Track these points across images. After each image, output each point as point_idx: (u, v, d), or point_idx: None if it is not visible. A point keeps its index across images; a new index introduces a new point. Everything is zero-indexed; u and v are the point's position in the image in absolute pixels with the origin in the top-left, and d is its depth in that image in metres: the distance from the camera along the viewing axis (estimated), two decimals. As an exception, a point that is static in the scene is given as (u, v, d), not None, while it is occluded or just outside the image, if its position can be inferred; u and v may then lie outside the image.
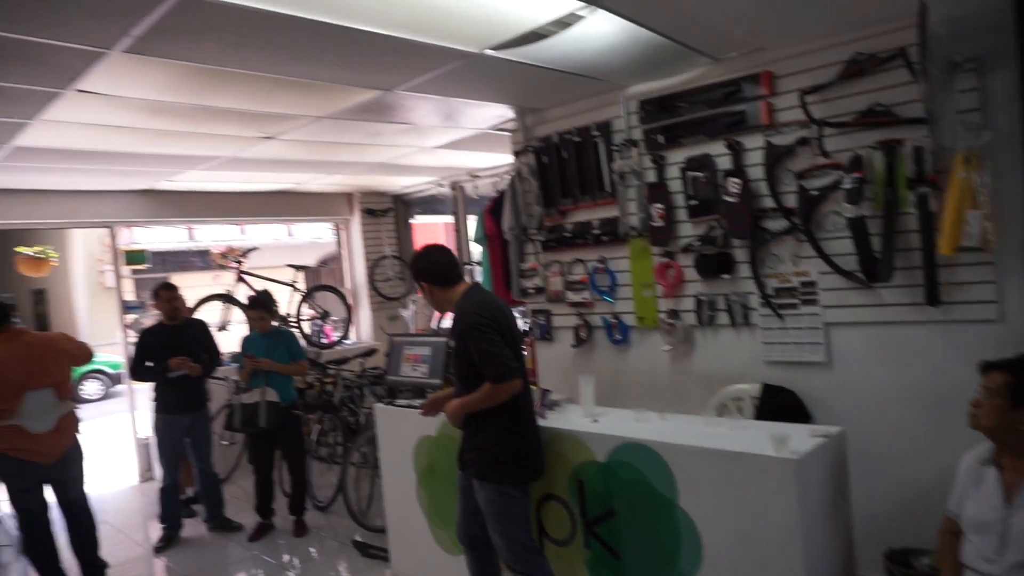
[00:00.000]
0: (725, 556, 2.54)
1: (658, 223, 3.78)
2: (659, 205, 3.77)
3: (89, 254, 15.11)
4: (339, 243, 7.72)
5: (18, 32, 2.46)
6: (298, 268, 6.93)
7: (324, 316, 7.01)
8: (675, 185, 3.75)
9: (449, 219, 7.45)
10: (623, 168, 3.90)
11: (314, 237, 14.78)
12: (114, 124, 3.86)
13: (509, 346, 2.76)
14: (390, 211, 7.58)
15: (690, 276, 3.74)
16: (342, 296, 7.27)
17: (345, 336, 7.15)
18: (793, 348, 3.40)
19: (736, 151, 3.45)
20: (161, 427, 4.74)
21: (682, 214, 3.74)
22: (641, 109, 3.86)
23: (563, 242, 4.26)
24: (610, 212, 4.06)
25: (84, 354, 4.02)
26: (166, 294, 4.72)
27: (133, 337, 6.51)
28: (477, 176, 6.43)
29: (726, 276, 3.56)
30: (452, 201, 6.93)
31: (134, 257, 6.60)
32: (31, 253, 7.31)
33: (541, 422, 3.06)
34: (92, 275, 15.31)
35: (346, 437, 5.30)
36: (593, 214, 4.16)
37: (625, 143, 3.90)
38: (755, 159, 3.42)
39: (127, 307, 6.40)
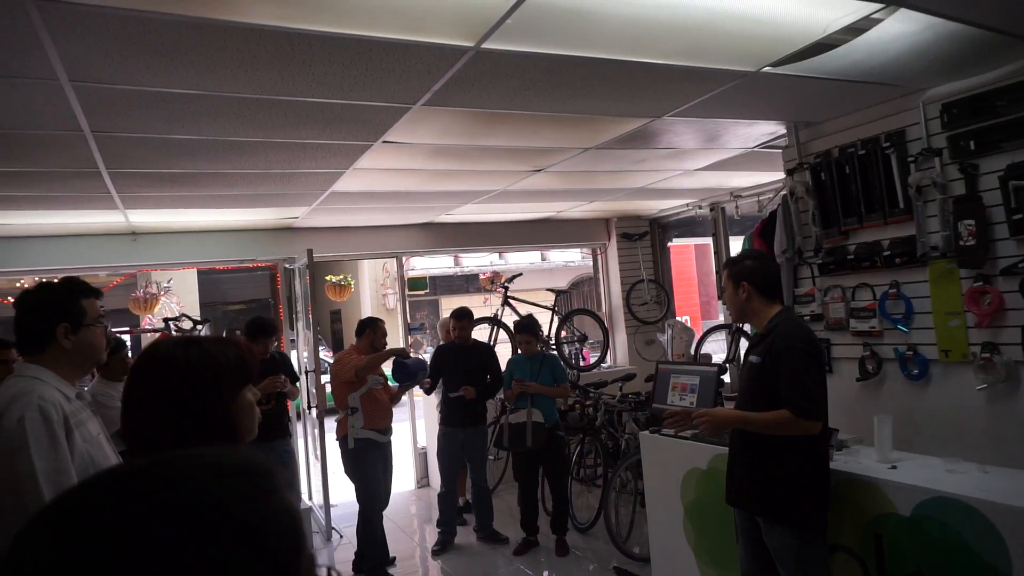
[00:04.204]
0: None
1: (968, 242, 3.27)
2: (970, 221, 3.26)
3: (374, 280, 17.27)
4: (596, 267, 7.87)
5: (343, 98, 2.88)
6: (557, 292, 7.20)
7: (582, 339, 7.19)
8: (991, 198, 3.22)
9: (707, 241, 7.22)
10: (922, 181, 3.45)
11: (566, 260, 15.30)
12: (405, 168, 4.36)
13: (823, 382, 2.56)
14: (646, 235, 7.56)
15: (1013, 303, 3.17)
16: (599, 319, 7.39)
17: (602, 359, 7.25)
18: None
19: (1079, 153, 2.86)
20: (441, 438, 5.21)
21: (1001, 231, 3.19)
22: (944, 113, 3.39)
23: (845, 265, 3.88)
24: (904, 231, 3.61)
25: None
26: (457, 323, 5.19)
27: (414, 356, 7.26)
28: (739, 196, 6.16)
29: (1066, 304, 2.96)
30: (711, 223, 6.72)
31: (417, 284, 7.42)
32: (336, 281, 8.55)
33: (830, 464, 2.79)
34: (376, 298, 17.46)
35: (606, 460, 5.34)
36: (883, 234, 3.73)
37: (924, 152, 3.45)
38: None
39: (410, 329, 7.16)
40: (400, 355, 4.88)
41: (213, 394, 1.20)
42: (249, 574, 0.47)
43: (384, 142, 3.64)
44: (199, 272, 11.64)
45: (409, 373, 4.87)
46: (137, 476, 0.49)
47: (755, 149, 4.60)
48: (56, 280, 2.11)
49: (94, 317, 2.02)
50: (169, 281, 7.92)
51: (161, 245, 6.05)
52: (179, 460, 0.51)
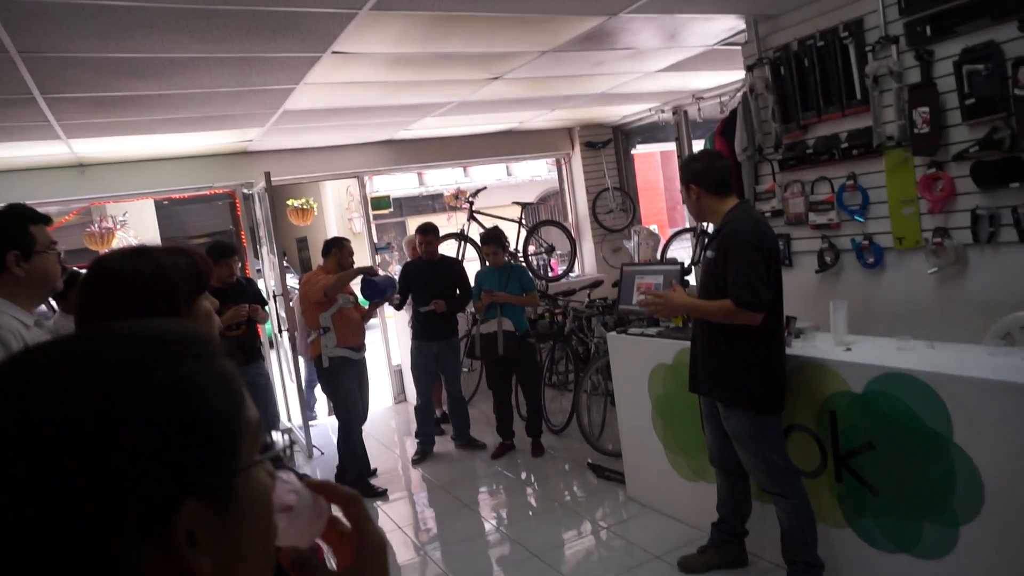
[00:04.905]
0: (1015, 502, 2.25)
1: (923, 129, 3.31)
2: (924, 109, 3.29)
3: (338, 204, 16.96)
4: (560, 177, 7.83)
5: (285, 5, 2.75)
6: (523, 205, 7.18)
7: (549, 250, 7.23)
8: (945, 84, 3.24)
9: (671, 146, 7.20)
10: (878, 70, 3.45)
11: (532, 175, 15.19)
12: (361, 80, 4.22)
13: (772, 274, 2.64)
14: (610, 142, 7.51)
15: (964, 188, 3.25)
16: (566, 230, 7.42)
17: (570, 269, 7.33)
18: (1106, 267, 2.83)
19: (1031, 33, 2.87)
20: (415, 352, 5.28)
21: (954, 117, 3.23)
22: (902, -2, 3.36)
23: (805, 160, 3.91)
24: (862, 122, 3.63)
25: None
26: (423, 238, 5.17)
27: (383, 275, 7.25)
28: (701, 98, 6.10)
29: (1015, 185, 3.04)
30: (674, 127, 6.67)
31: (380, 203, 7.30)
32: (298, 205, 8.39)
33: (787, 350, 2.91)
34: (343, 223, 17.20)
35: (576, 365, 5.49)
36: (840, 126, 3.75)
37: (882, 40, 3.43)
38: (1057, 40, 2.83)
39: (377, 248, 7.11)
40: (368, 273, 4.86)
41: (166, 304, 1.16)
42: (186, 438, 0.46)
43: (334, 53, 3.51)
44: (156, 204, 11.31)
45: (378, 290, 4.88)
46: (61, 346, 0.48)
47: (715, 47, 4.53)
48: (1, 208, 2.04)
49: (45, 244, 1.98)
50: (124, 214, 7.70)
51: (111, 176, 5.85)
52: (102, 331, 0.50)
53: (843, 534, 2.83)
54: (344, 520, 0.68)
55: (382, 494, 4.72)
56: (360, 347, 4.77)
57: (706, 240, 3.06)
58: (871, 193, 3.67)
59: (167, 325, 0.52)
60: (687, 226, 7.22)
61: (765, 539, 3.13)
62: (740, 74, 4.45)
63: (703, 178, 2.80)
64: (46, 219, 2.03)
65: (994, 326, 3.10)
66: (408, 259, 5.81)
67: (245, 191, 6.33)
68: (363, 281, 4.86)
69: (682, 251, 7.22)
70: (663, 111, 6.66)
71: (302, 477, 0.68)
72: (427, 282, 5.11)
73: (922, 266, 3.47)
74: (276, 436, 4.16)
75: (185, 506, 0.45)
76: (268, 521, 0.53)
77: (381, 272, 5.16)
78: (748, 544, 3.19)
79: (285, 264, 4.64)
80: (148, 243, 1.43)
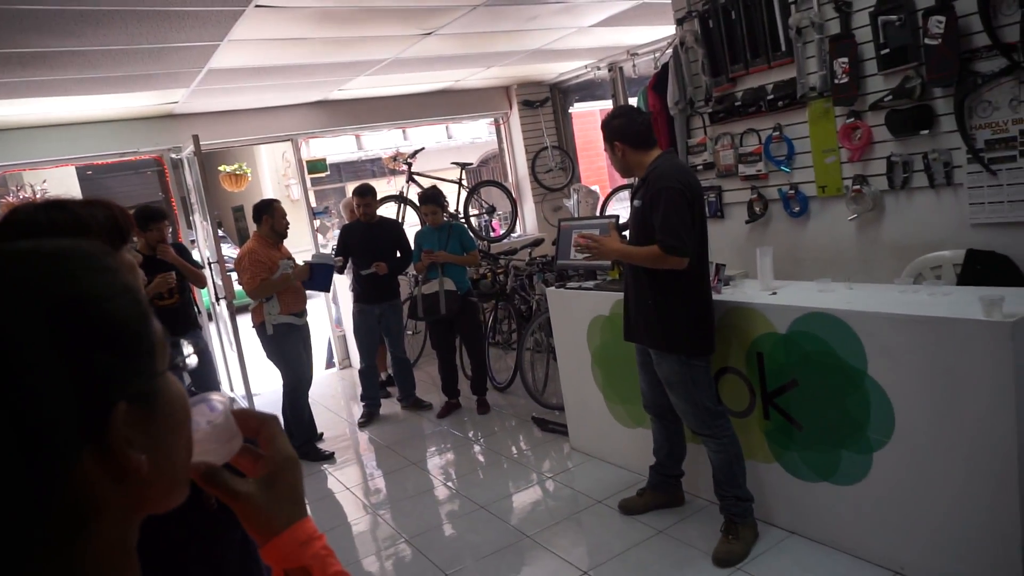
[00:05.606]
0: (921, 426, 2.42)
1: (842, 79, 3.42)
2: (843, 59, 3.40)
3: (275, 171, 16.50)
4: (499, 137, 7.80)
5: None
6: (463, 165, 7.14)
7: (490, 211, 7.23)
8: (863, 35, 3.35)
9: (608, 104, 7.24)
10: (801, 22, 3.54)
11: (473, 137, 15.04)
12: (288, 37, 4.09)
13: (696, 221, 2.72)
14: (548, 101, 7.50)
15: (880, 136, 3.39)
16: (506, 190, 7.42)
17: (512, 229, 7.35)
18: (1007, 207, 3.01)
19: (940, -16, 2.99)
20: (357, 315, 5.25)
21: (871, 67, 3.35)
22: (822, -50, 3.43)
23: (734, 112, 4.01)
24: (786, 74, 3.73)
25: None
26: (360, 200, 5.08)
27: (323, 240, 7.15)
28: (636, 54, 6.13)
29: (925, 132, 3.19)
30: (611, 84, 6.70)
31: (316, 166, 7.13)
32: (231, 170, 8.14)
33: (716, 297, 3.02)
34: (280, 190, 16.75)
35: (519, 323, 5.56)
36: (767, 78, 3.85)
37: (803, -8, 3.52)
38: (964, -9, 2.95)
39: (314, 213, 6.99)
40: (300, 277, 4.68)
41: None
42: (105, 345, 0.47)
43: (257, 6, 3.39)
44: (79, 172, 10.80)
45: (322, 278, 4.76)
46: None
47: (646, 0, 4.55)
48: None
49: None
50: (44, 182, 7.33)
51: (27, 141, 5.55)
52: (25, 253, 0.49)
53: (771, 468, 2.99)
54: (257, 449, 0.71)
55: (329, 457, 4.73)
56: (303, 312, 4.71)
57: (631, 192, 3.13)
58: (796, 144, 3.79)
59: (62, 242, 0.52)
60: (626, 183, 7.31)
61: (699, 478, 3.28)
62: (672, 29, 4.50)
63: (626, 134, 2.84)
64: None
65: (907, 268, 3.29)
66: (346, 222, 5.73)
67: (173, 156, 6.10)
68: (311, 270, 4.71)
69: (622, 209, 7.31)
70: (599, 68, 6.68)
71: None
72: (366, 244, 5.06)
73: (843, 213, 3.63)
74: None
75: (117, 409, 0.47)
76: (187, 421, 0.56)
77: (313, 255, 5.01)
78: (684, 484, 3.34)
79: (221, 234, 4.48)
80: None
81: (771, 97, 3.81)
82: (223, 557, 1.49)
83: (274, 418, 0.71)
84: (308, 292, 4.83)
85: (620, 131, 2.85)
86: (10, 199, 7.10)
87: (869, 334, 2.51)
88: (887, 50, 3.23)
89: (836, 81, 3.46)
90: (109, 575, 0.48)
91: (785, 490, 2.95)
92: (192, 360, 3.80)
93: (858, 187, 3.50)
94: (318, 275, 4.71)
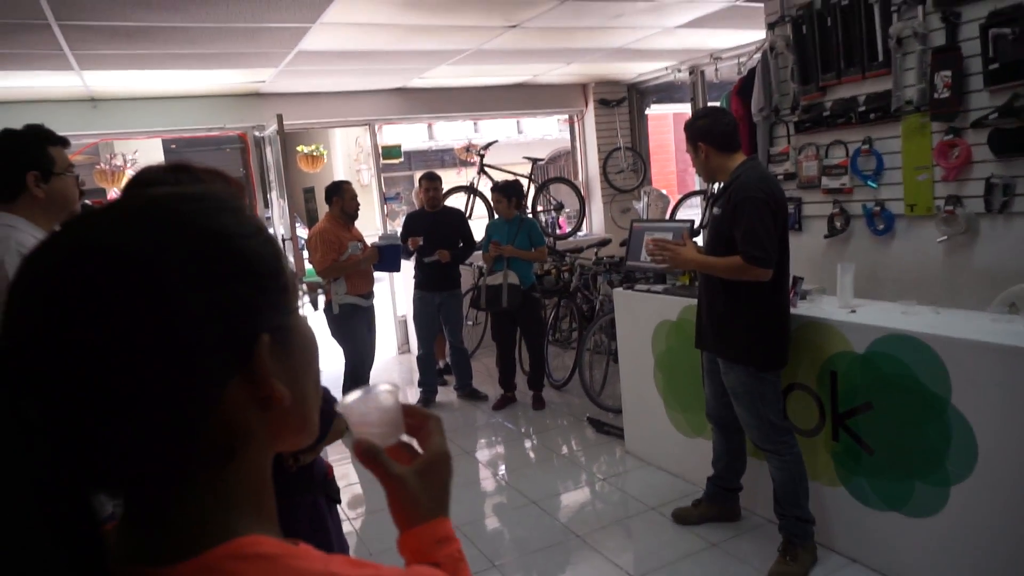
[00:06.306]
0: (1006, 463, 2.29)
1: (943, 94, 3.27)
2: (946, 72, 3.25)
3: (347, 155, 16.85)
4: (572, 135, 7.77)
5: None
6: (534, 161, 7.14)
7: (558, 208, 7.21)
8: (970, 48, 3.19)
9: (685, 108, 7.12)
10: (903, 31, 3.40)
11: (543, 134, 15.05)
12: (378, 22, 4.17)
13: (779, 231, 2.64)
14: (624, 101, 7.42)
15: (980, 156, 3.23)
16: (575, 188, 7.38)
17: (579, 227, 7.32)
18: (1117, 240, 2.83)
19: (1061, -2, 2.82)
20: (417, 302, 5.31)
21: (976, 82, 3.19)
22: (931, -42, 3.28)
23: (821, 122, 3.88)
24: (881, 85, 3.59)
25: None
26: (428, 184, 5.15)
27: (391, 226, 7.27)
28: (719, 58, 6.01)
29: (1031, 154, 3.02)
30: (690, 87, 6.59)
31: (391, 152, 7.24)
32: (309, 151, 8.36)
33: (792, 310, 2.93)
34: (351, 174, 17.10)
35: (580, 323, 5.53)
36: (860, 89, 3.71)
37: (908, 1, 3.37)
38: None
39: (385, 198, 7.11)
40: (370, 261, 4.76)
41: None
42: (247, 278, 0.50)
43: (351, -9, 3.46)
44: (165, 145, 11.27)
45: (392, 259, 4.85)
46: (108, 213, 0.50)
47: (737, 3, 4.45)
48: (21, 128, 2.04)
49: (64, 166, 1.99)
50: (135, 153, 7.68)
51: (123, 112, 5.82)
52: (139, 195, 0.52)
53: (836, 492, 2.89)
54: (412, 446, 0.73)
55: (384, 438, 4.80)
56: (369, 294, 4.80)
57: (712, 198, 3.04)
58: (886, 159, 3.65)
59: (200, 187, 0.56)
60: (696, 189, 7.18)
61: (758, 494, 3.20)
62: (760, 34, 4.39)
63: (710, 135, 2.77)
64: (64, 141, 2.03)
65: (1000, 295, 3.11)
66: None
67: (257, 133, 6.30)
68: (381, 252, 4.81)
69: (691, 214, 7.19)
70: (680, 70, 6.57)
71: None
72: (430, 232, 5.10)
73: (932, 234, 3.47)
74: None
75: (261, 340, 0.49)
76: (317, 361, 0.58)
77: (380, 236, 5.10)
78: (741, 499, 3.26)
79: (294, 214, 4.63)
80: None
81: (863, 109, 3.67)
82: (293, 517, 1.56)
83: (438, 417, 0.73)
84: (376, 275, 4.92)
85: (705, 132, 2.78)
86: (103, 166, 7.46)
87: (956, 362, 2.39)
88: (996, 65, 3.07)
89: (936, 96, 3.30)
90: (254, 500, 0.51)
91: (849, 516, 2.85)
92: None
93: (951, 208, 3.34)
94: (388, 256, 4.80)
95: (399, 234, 5.20)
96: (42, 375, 0.43)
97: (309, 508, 1.57)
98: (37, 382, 0.43)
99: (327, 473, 1.81)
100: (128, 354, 0.44)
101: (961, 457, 2.41)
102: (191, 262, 0.47)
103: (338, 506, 1.87)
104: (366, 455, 0.66)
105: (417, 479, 0.68)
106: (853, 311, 2.90)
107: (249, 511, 0.50)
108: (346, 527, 2.96)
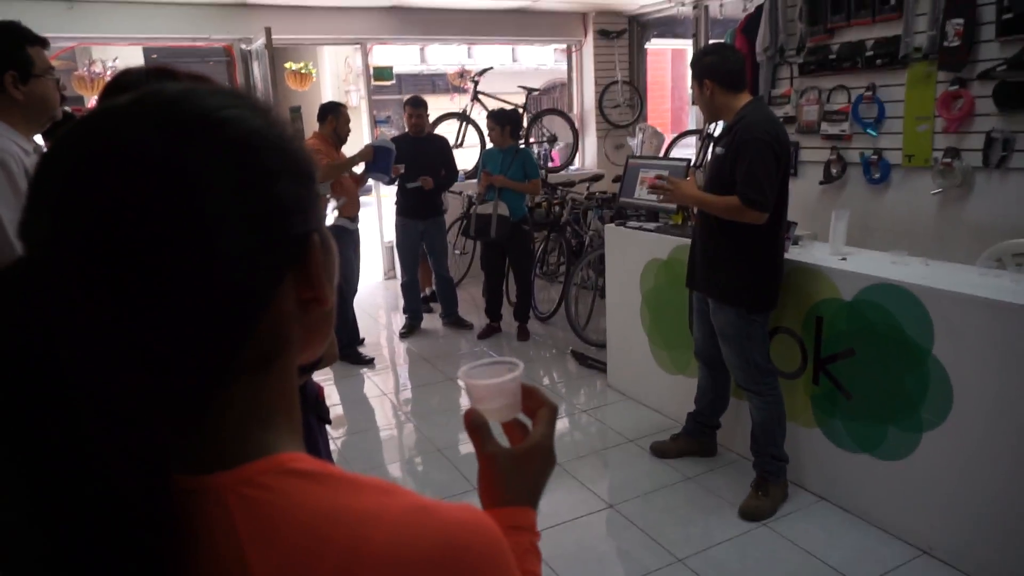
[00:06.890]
0: (979, 413, 2.36)
1: (953, 42, 3.22)
2: (959, 20, 3.19)
3: (336, 75, 16.35)
4: (569, 66, 7.57)
5: None
6: (529, 90, 6.97)
7: (551, 140, 7.10)
8: (985, -5, 3.13)
9: (685, 45, 6.94)
10: (919, -26, 3.31)
11: (538, 63, 14.66)
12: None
13: (780, 175, 2.62)
14: (624, 33, 7.22)
15: (983, 108, 3.20)
16: (570, 121, 7.26)
17: (571, 161, 7.23)
18: (1109, 200, 2.85)
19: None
20: (400, 229, 5.27)
21: (988, 32, 3.14)
22: None
23: (826, 65, 3.81)
24: (891, 30, 3.52)
25: None
26: (412, 110, 5.03)
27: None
28: (725, -8, 5.83)
29: (1035, 109, 3.00)
30: (693, 22, 6.41)
31: (382, 73, 7.03)
32: (297, 68, 8.09)
33: (784, 255, 2.94)
34: (340, 95, 16.65)
35: (569, 257, 5.53)
36: (869, 33, 3.63)
37: (927, -58, 3.27)
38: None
39: (376, 121, 6.94)
40: (364, 158, 4.70)
41: None
42: (299, 177, 0.49)
43: None
44: (146, 54, 10.83)
45: (383, 162, 4.76)
46: (138, 106, 0.47)
47: (750, -66, 4.29)
48: (-8, 27, 1.93)
49: (43, 67, 1.90)
50: (115, 60, 7.38)
51: (100, 15, 5.55)
52: (192, 91, 0.48)
53: (811, 433, 2.97)
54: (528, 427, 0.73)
55: (369, 362, 4.85)
56: (355, 218, 4.75)
57: (715, 137, 3.00)
58: (888, 107, 3.61)
59: (213, 85, 0.53)
60: (691, 128, 7.09)
61: (736, 433, 3.29)
62: (772, -32, 4.24)
63: (717, 72, 2.70)
64: (44, 41, 1.94)
65: (988, 250, 3.15)
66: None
67: (243, 47, 6.07)
68: (375, 152, 4.73)
69: (686, 154, 7.11)
70: (683, 3, 6.38)
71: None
72: (414, 158, 4.99)
73: (927, 185, 3.48)
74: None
75: (312, 238, 0.49)
76: (336, 274, 0.57)
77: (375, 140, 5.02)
78: (719, 436, 3.35)
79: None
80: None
81: (870, 54, 3.61)
82: None
83: (554, 407, 0.73)
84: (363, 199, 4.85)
85: (712, 69, 2.72)
86: (83, 72, 7.17)
87: (941, 313, 2.43)
88: (1010, 15, 3.01)
89: (946, 44, 3.25)
90: (284, 407, 0.50)
91: (822, 456, 2.94)
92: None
93: (948, 160, 3.33)
94: (380, 158, 4.73)
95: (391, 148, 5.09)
96: (89, 280, 0.42)
97: (306, 428, 1.58)
98: (86, 288, 0.42)
99: (318, 394, 1.82)
100: (185, 254, 0.42)
101: (936, 405, 2.48)
102: (243, 162, 0.45)
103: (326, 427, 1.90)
104: (471, 426, 0.67)
105: (509, 462, 0.68)
106: (844, 259, 2.92)
107: (284, 424, 0.50)
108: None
